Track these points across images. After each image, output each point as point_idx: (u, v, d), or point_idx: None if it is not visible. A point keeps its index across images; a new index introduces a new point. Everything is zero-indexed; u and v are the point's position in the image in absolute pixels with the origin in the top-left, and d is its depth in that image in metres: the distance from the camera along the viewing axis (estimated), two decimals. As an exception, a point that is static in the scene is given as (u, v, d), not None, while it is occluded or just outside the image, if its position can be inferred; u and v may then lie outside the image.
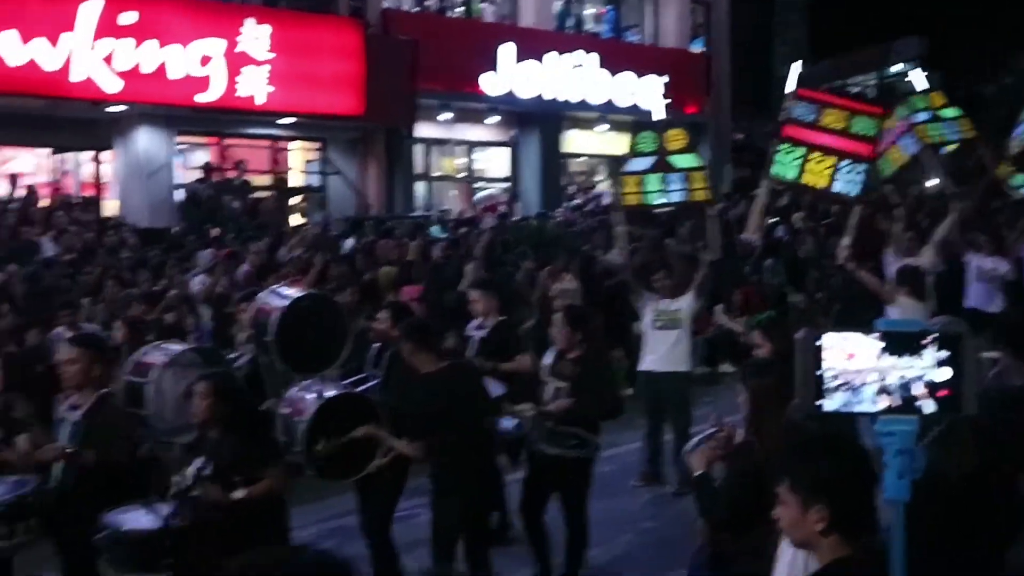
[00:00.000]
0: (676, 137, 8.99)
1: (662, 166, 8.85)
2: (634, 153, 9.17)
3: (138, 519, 4.92)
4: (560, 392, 6.64)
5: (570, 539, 6.69)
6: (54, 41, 14.36)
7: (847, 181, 8.35)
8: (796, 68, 9.41)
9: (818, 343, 2.06)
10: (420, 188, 20.69)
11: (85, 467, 5.27)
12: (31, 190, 15.56)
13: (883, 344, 2.05)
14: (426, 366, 5.81)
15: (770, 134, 30.04)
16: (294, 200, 19.56)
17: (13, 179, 15.92)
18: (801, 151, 8.39)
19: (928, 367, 2.03)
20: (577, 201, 20.89)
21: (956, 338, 2.04)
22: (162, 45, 15.28)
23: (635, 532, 7.72)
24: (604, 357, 7.02)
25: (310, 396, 5.86)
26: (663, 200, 8.84)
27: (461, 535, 5.94)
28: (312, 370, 5.93)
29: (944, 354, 2.02)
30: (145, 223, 15.61)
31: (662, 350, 8.86)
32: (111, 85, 14.94)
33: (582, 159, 23.84)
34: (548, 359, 6.94)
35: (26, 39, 14.12)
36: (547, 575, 6.69)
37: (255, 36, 16.27)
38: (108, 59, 14.81)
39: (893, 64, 43.18)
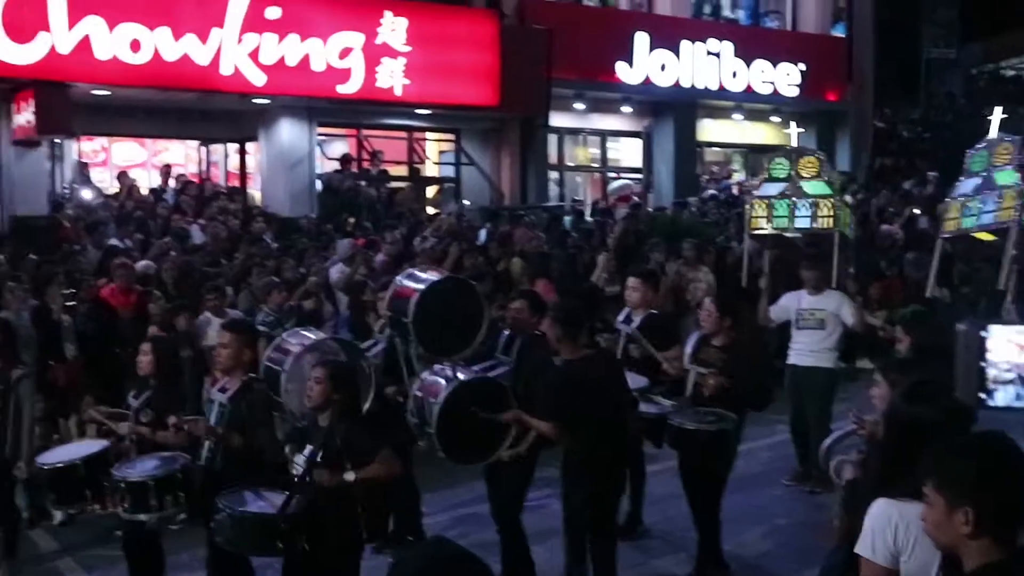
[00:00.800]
0: (808, 164, 9.13)
1: (793, 192, 9.02)
2: (768, 178, 9.37)
3: (253, 502, 5.09)
4: (704, 379, 6.60)
5: (701, 528, 6.66)
6: (204, 37, 14.93)
7: None
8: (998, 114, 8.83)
9: (983, 334, 2.00)
10: (553, 178, 20.74)
11: (231, 448, 5.50)
12: (182, 180, 16.25)
13: None
14: (569, 352, 5.85)
15: (916, 121, 29.14)
16: (429, 190, 19.87)
17: (166, 170, 16.64)
18: None
19: None
20: (711, 191, 20.59)
21: None
22: (304, 39, 15.72)
23: (768, 528, 7.62)
24: (756, 346, 6.91)
25: (444, 379, 5.96)
26: (787, 225, 9.04)
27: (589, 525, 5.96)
28: (447, 353, 6.02)
29: None
30: (286, 212, 16.13)
31: (805, 345, 8.76)
32: (257, 78, 15.45)
33: (717, 148, 23.48)
34: (689, 347, 6.90)
35: (178, 36, 14.72)
36: (713, 559, 6.68)
37: (393, 28, 16.58)
38: (254, 53, 15.32)
39: (1050, 47, 40.92)
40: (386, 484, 5.30)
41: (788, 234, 9.38)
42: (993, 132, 8.94)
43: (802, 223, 9.03)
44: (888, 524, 3.22)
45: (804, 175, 9.16)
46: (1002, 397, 1.87)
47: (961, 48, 34.51)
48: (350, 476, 4.99)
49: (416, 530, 7.33)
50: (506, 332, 6.59)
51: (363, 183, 16.94)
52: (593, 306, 9.13)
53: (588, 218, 17.83)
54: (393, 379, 6.54)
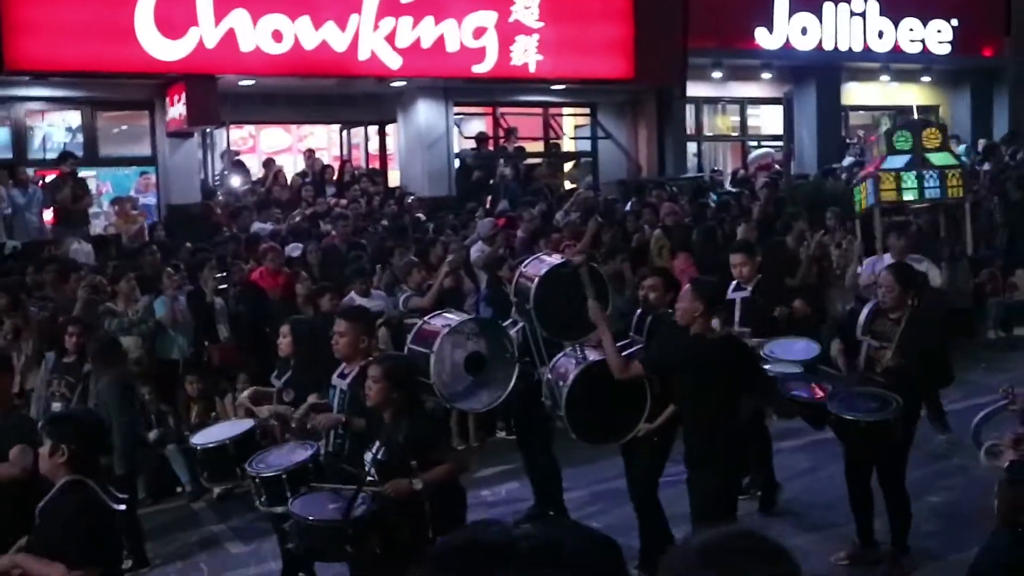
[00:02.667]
0: (932, 135, 9.52)
1: (919, 163, 9.37)
2: (891, 150, 9.71)
3: (323, 507, 5.08)
4: (878, 353, 6.40)
5: (889, 510, 6.49)
6: (342, 24, 15.26)
7: None
8: None
9: None
10: (691, 149, 20.42)
11: (356, 434, 5.57)
12: (319, 165, 16.68)
13: None
14: (701, 329, 5.79)
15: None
16: (566, 166, 19.85)
17: (310, 154, 17.13)
18: None
19: None
20: (850, 158, 19.91)
21: None
22: (438, 21, 15.87)
23: (922, 505, 7.36)
24: (934, 321, 6.64)
25: (573, 361, 5.97)
26: (917, 197, 9.46)
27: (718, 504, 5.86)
28: (573, 336, 6.03)
29: None
30: (425, 192, 16.40)
31: None
32: (393, 62, 15.71)
33: (863, 112, 22.67)
34: (863, 318, 6.66)
35: (317, 24, 15.09)
36: (866, 541, 6.53)
37: (526, 5, 16.57)
38: (390, 37, 15.57)
39: None
40: (454, 482, 5.24)
41: (916, 205, 9.70)
42: None
43: (932, 193, 9.39)
44: None
45: (928, 146, 9.46)
46: None
47: None
48: (417, 484, 4.95)
49: (558, 504, 7.39)
50: (639, 310, 6.55)
51: (500, 161, 17.05)
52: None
53: (728, 188, 17.50)
54: (530, 359, 6.59)
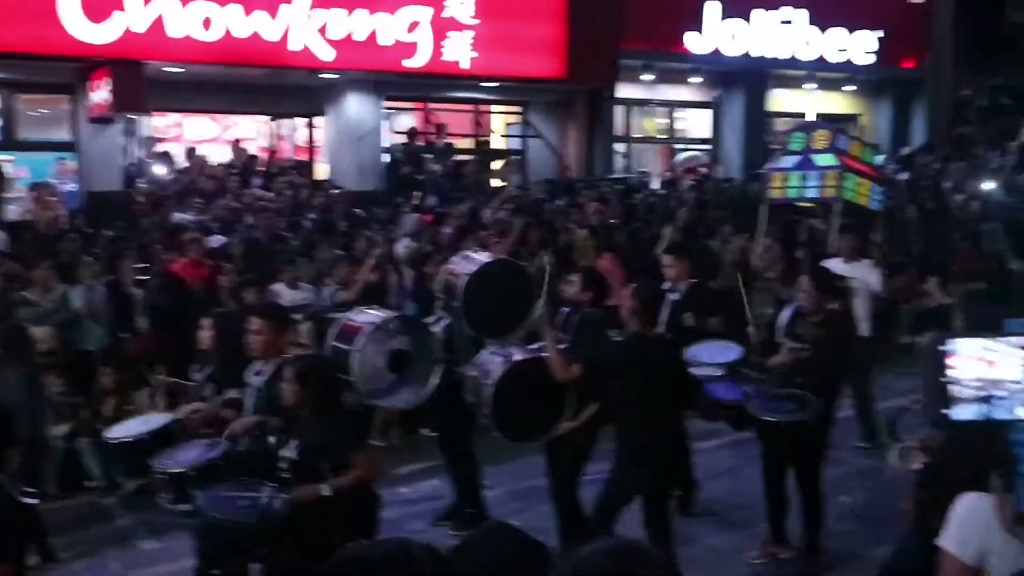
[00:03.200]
0: (820, 137, 9.91)
1: (806, 164, 9.79)
2: (785, 151, 10.25)
3: (233, 505, 4.94)
4: (797, 355, 6.51)
5: (804, 510, 6.60)
6: (274, 13, 15.08)
7: None
8: None
9: (943, 350, 1.95)
10: (620, 150, 20.58)
11: (269, 433, 5.45)
12: (248, 155, 16.45)
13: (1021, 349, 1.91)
14: (637, 328, 5.84)
15: (997, 89, 28.24)
16: (495, 164, 19.87)
17: (237, 144, 16.88)
18: None
19: None
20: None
21: None
22: (372, 13, 15.78)
23: (836, 505, 7.51)
24: (850, 323, 6.79)
25: (498, 359, 5.98)
26: (798, 196, 9.99)
27: (625, 504, 5.91)
28: (499, 335, 6.03)
29: None
30: (353, 186, 16.27)
31: None
32: (325, 53, 15.57)
33: (788, 119, 23.07)
34: (783, 320, 6.80)
35: (248, 11, 14.89)
36: (779, 541, 6.65)
37: (460, 1, 16.55)
38: (323, 29, 15.43)
39: None
40: (365, 486, 5.17)
41: (801, 203, 10.28)
42: None
43: (811, 193, 9.87)
44: (980, 520, 3.08)
45: (816, 148, 9.84)
46: (965, 412, 1.83)
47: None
48: (325, 491, 4.89)
49: (478, 502, 7.40)
50: (565, 309, 6.59)
51: (430, 157, 17.00)
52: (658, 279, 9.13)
53: (655, 190, 17.68)
54: (454, 356, 6.59)
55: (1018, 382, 1.93)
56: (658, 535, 5.74)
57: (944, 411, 1.98)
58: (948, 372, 1.96)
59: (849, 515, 7.39)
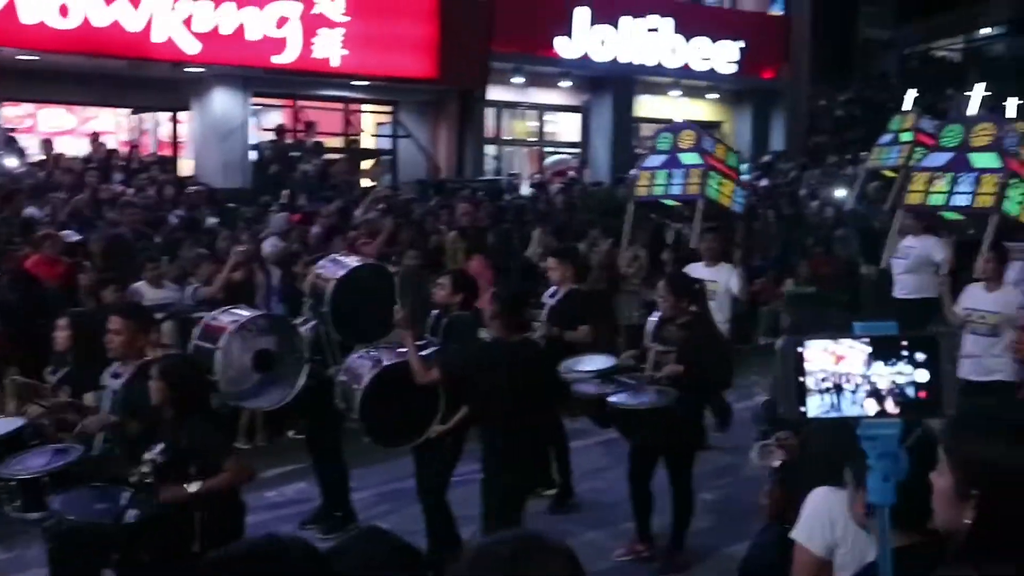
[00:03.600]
0: (687, 136, 10.04)
1: (672, 163, 9.93)
2: (653, 150, 10.38)
3: (89, 507, 4.79)
4: (664, 358, 6.62)
5: (674, 506, 6.73)
6: (136, 3, 14.63)
7: None
8: (980, 90, 9.71)
9: (800, 350, 2.06)
10: (490, 152, 20.70)
11: (128, 438, 5.31)
12: (107, 149, 15.90)
13: (869, 349, 2.03)
14: (501, 332, 5.88)
15: (850, 100, 29.57)
16: (365, 163, 19.73)
17: (95, 138, 16.29)
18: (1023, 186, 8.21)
19: (908, 370, 2.02)
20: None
21: (933, 341, 2.03)
22: (239, 7, 15.47)
23: (697, 501, 7.69)
24: (712, 325, 6.96)
25: (367, 363, 5.95)
26: (663, 193, 10.03)
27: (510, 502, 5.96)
28: (367, 340, 6.01)
29: (921, 356, 2.01)
30: (219, 183, 15.91)
31: None
32: (190, 46, 15.18)
33: (654, 124, 23.63)
34: (651, 325, 6.93)
35: (109, 1, 14.39)
36: (644, 537, 6.76)
37: (331, -2, 16.39)
38: (187, 21, 15.05)
39: (982, 27, 41.87)
40: (231, 491, 5.06)
41: (667, 202, 10.26)
42: (973, 109, 9.28)
43: (675, 190, 9.90)
44: (828, 514, 3.24)
45: (683, 147, 9.98)
46: (815, 407, 1.95)
47: (896, 29, 35.06)
48: (192, 488, 4.79)
49: (345, 506, 7.33)
50: (434, 312, 6.60)
51: (297, 155, 16.75)
52: (528, 281, 9.23)
53: (524, 192, 17.84)
54: (321, 358, 6.53)
55: (866, 376, 2.04)
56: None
57: (801, 408, 2.07)
58: (803, 370, 2.06)
59: (709, 511, 7.59)
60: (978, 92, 9.21)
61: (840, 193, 17.26)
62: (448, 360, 6.01)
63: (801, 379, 2.04)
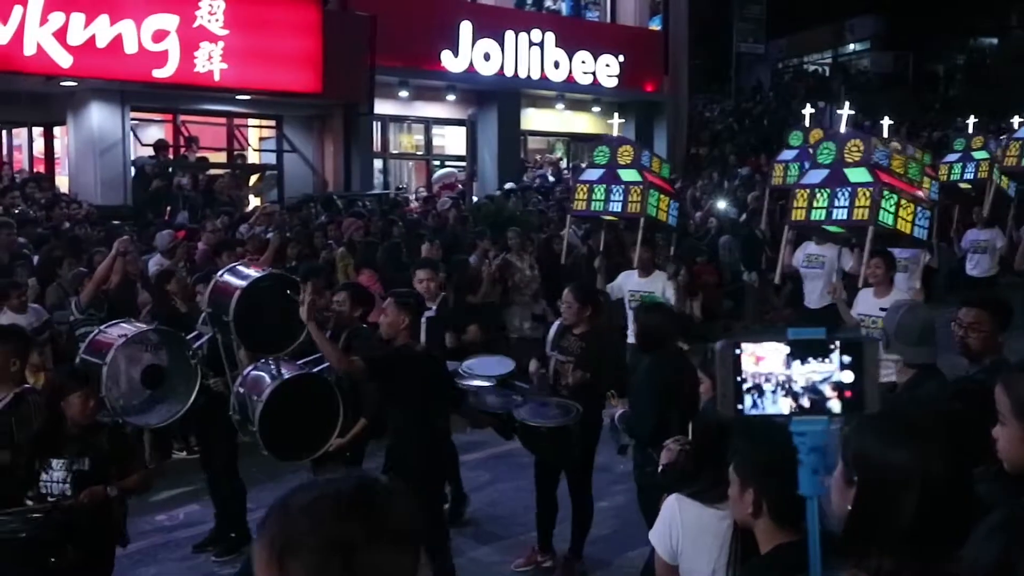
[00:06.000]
0: (625, 152, 9.98)
1: (611, 178, 9.82)
2: (591, 164, 10.21)
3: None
4: (564, 367, 6.68)
5: (574, 517, 6.78)
6: (5, 16, 14.11)
7: (921, 228, 8.58)
8: (846, 110, 10.00)
9: (737, 352, 2.17)
10: (378, 166, 20.63)
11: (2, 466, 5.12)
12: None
13: (793, 350, 2.16)
14: (405, 340, 5.87)
15: (726, 112, 30.42)
16: (251, 179, 19.40)
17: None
18: (894, 197, 8.48)
19: (834, 371, 2.15)
20: (526, 180, 20.99)
21: (858, 344, 2.16)
22: (115, 20, 15.05)
23: (596, 510, 7.83)
24: (612, 333, 7.06)
25: (267, 376, 5.87)
26: (602, 208, 9.89)
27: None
28: (270, 351, 5.93)
29: (847, 359, 2.14)
30: (97, 200, 15.44)
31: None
32: (63, 59, 14.71)
33: (540, 137, 23.91)
34: (551, 334, 6.99)
35: (-24, 13, 13.88)
36: (545, 548, 6.80)
37: (211, 11, 16.09)
38: (60, 33, 14.58)
39: (848, 43, 43.61)
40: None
41: (604, 216, 10.08)
42: (843, 127, 9.59)
43: (614, 207, 9.80)
44: (672, 521, 3.39)
45: (621, 163, 9.87)
46: (750, 406, 2.08)
47: (769, 43, 36.27)
48: (113, 491, 4.95)
49: (242, 526, 7.19)
50: (333, 326, 6.54)
51: (179, 172, 16.38)
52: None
53: (413, 206, 17.82)
54: (216, 372, 6.41)
55: (794, 377, 2.15)
56: (432, 543, 5.78)
57: (739, 407, 2.17)
58: (740, 371, 2.16)
59: (606, 520, 7.68)
60: (846, 110, 9.59)
61: (722, 204, 17.74)
62: (368, 351, 5.93)
63: (738, 379, 2.15)
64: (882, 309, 7.44)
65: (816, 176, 8.94)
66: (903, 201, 8.43)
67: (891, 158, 8.82)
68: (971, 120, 15.21)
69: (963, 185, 13.09)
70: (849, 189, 8.51)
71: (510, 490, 7.69)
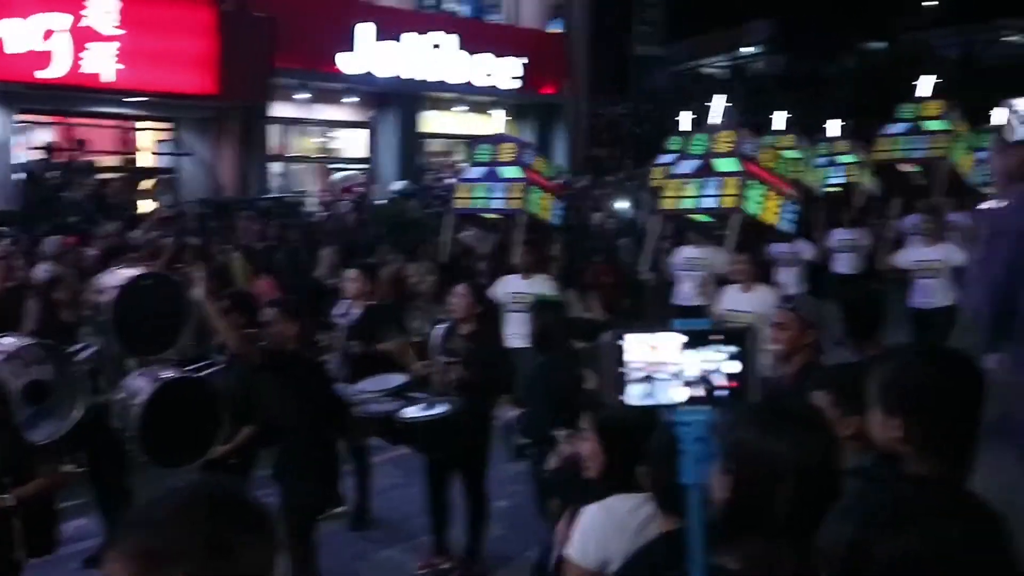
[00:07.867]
0: (506, 150, 10.02)
1: (492, 176, 9.88)
2: (472, 163, 10.28)
3: None
4: (451, 368, 6.66)
5: (470, 517, 6.81)
6: None
7: (788, 221, 8.76)
8: (721, 102, 10.17)
9: (620, 343, 2.20)
10: (276, 169, 20.37)
11: None
12: None
13: (683, 340, 2.19)
14: (299, 348, 5.82)
15: (625, 115, 30.81)
16: (145, 183, 18.98)
17: None
18: (762, 188, 8.63)
19: (720, 361, 2.19)
20: (427, 183, 20.97)
21: (743, 333, 2.21)
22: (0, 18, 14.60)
23: (491, 509, 7.86)
24: (498, 335, 7.09)
25: (147, 380, 5.76)
26: (485, 206, 9.96)
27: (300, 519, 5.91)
28: (150, 353, 5.82)
29: (733, 348, 2.19)
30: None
31: (516, 329, 9.08)
32: (-57, 60, 14.23)
33: (440, 140, 23.90)
34: (438, 337, 6.98)
35: None
36: (441, 550, 6.80)
37: (103, 10, 15.69)
38: (-61, 32, 14.10)
39: (743, 46, 44.61)
40: (49, 498, 5.04)
41: (488, 215, 10.16)
42: (715, 118, 9.77)
43: (497, 204, 9.88)
44: (600, 528, 3.33)
45: (503, 160, 9.98)
46: (634, 396, 2.10)
47: (667, 47, 36.87)
48: (10, 501, 4.72)
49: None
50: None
51: (69, 175, 15.91)
52: (318, 301, 9.13)
53: (312, 209, 17.65)
54: (98, 384, 6.27)
55: (680, 366, 2.19)
56: (298, 552, 5.75)
57: (621, 397, 2.20)
58: (623, 362, 2.19)
59: (502, 519, 7.72)
60: (719, 103, 9.81)
61: (622, 204, 17.97)
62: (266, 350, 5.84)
63: (621, 370, 2.17)
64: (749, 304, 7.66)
65: (687, 166, 9.16)
66: (770, 193, 8.67)
67: (759, 150, 9.08)
68: (838, 123, 15.18)
69: (830, 190, 13.24)
70: (718, 178, 8.76)
71: (411, 492, 7.67)
